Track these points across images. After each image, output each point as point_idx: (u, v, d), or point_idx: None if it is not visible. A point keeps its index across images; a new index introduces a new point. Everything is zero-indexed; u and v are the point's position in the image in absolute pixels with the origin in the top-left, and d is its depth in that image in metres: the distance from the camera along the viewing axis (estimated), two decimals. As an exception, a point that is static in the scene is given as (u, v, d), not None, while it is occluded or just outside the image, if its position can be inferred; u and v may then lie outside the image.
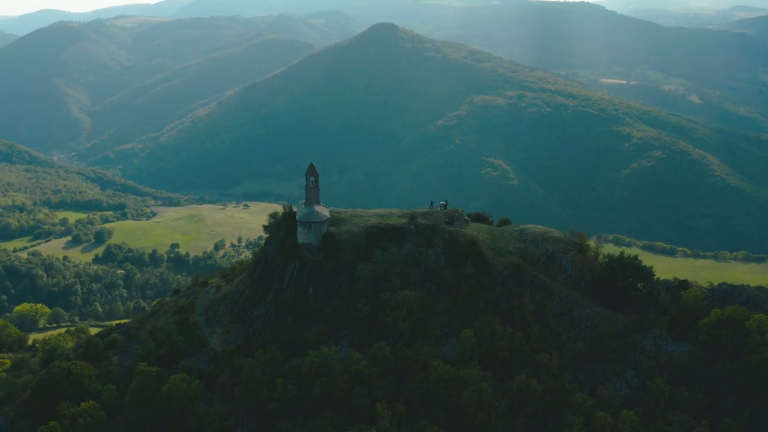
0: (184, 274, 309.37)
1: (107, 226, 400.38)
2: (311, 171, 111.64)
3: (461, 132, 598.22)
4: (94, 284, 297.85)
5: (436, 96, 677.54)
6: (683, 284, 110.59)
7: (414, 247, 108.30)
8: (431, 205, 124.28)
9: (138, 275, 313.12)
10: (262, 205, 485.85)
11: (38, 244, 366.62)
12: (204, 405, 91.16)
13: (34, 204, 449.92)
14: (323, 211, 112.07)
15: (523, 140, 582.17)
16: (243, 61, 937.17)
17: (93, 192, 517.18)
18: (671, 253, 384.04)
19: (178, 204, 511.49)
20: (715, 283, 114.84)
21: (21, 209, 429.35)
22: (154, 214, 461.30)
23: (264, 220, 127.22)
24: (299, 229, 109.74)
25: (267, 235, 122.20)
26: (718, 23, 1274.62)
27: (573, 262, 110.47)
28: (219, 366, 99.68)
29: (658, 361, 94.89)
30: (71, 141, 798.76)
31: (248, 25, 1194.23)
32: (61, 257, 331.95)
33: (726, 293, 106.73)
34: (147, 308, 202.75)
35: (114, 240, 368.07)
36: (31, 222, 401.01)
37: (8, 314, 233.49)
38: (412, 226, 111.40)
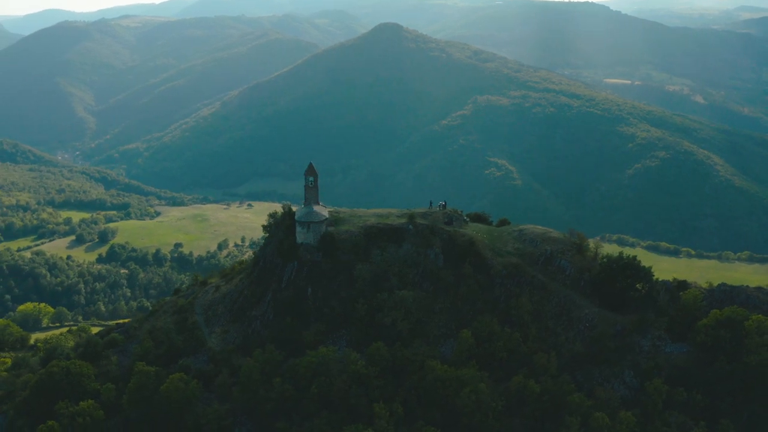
0: (188, 273, 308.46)
1: (111, 225, 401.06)
2: (310, 171, 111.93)
3: (465, 132, 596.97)
4: (97, 284, 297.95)
5: (440, 96, 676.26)
6: (682, 285, 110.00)
7: (412, 247, 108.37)
8: (430, 205, 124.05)
9: (141, 275, 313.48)
10: (266, 204, 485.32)
11: (42, 243, 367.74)
12: (202, 404, 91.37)
13: (38, 203, 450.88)
14: (322, 211, 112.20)
15: (527, 140, 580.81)
16: (247, 61, 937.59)
17: (97, 192, 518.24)
18: (675, 253, 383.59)
19: (181, 204, 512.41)
20: (716, 284, 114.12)
21: (25, 209, 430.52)
22: (158, 214, 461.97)
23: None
24: (298, 228, 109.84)
25: (266, 235, 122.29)
26: (722, 23, 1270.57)
27: (572, 263, 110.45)
28: (217, 366, 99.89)
29: (656, 362, 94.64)
30: (75, 141, 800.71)
31: (253, 25, 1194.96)
32: (64, 257, 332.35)
33: (725, 294, 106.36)
34: (150, 308, 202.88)
35: (118, 239, 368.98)
36: (35, 221, 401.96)
37: (11, 313, 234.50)
38: (410, 227, 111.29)
